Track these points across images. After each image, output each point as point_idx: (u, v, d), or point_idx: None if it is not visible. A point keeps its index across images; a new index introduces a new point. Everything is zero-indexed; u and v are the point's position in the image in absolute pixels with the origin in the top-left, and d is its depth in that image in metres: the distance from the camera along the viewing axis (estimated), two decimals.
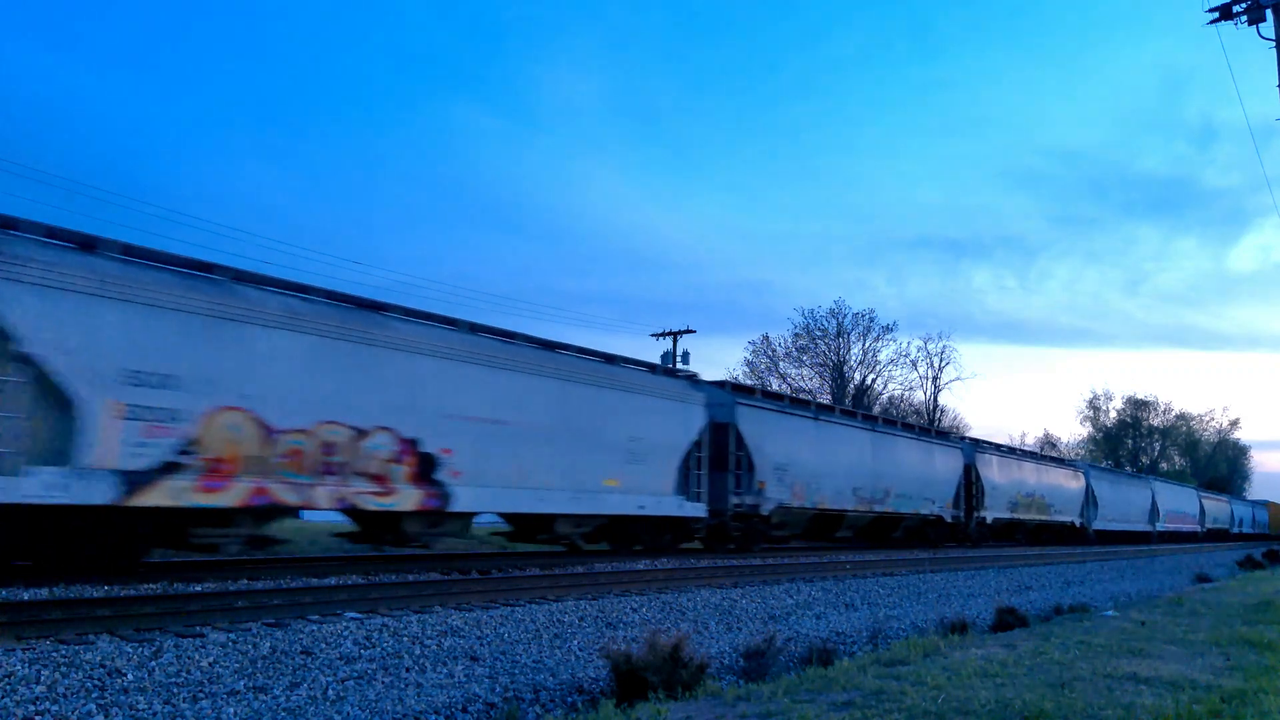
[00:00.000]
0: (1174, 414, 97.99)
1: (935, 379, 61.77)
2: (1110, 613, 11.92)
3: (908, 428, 31.92)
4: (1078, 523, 40.63)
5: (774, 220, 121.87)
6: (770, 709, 5.28)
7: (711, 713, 5.33)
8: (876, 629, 10.58)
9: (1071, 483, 40.72)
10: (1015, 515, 34.89)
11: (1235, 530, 72.38)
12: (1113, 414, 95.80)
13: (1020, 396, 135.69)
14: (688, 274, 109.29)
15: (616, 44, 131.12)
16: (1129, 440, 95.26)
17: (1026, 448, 62.32)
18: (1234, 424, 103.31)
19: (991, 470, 33.61)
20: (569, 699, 6.66)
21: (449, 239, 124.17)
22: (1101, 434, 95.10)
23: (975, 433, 57.94)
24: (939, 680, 6.16)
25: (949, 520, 30.65)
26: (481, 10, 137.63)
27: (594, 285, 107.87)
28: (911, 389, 62.07)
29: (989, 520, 32.66)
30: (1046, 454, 50.27)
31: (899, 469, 27.69)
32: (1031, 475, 37.18)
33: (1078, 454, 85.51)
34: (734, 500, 20.53)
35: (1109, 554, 31.03)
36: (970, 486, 32.73)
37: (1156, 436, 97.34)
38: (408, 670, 7.00)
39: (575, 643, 8.52)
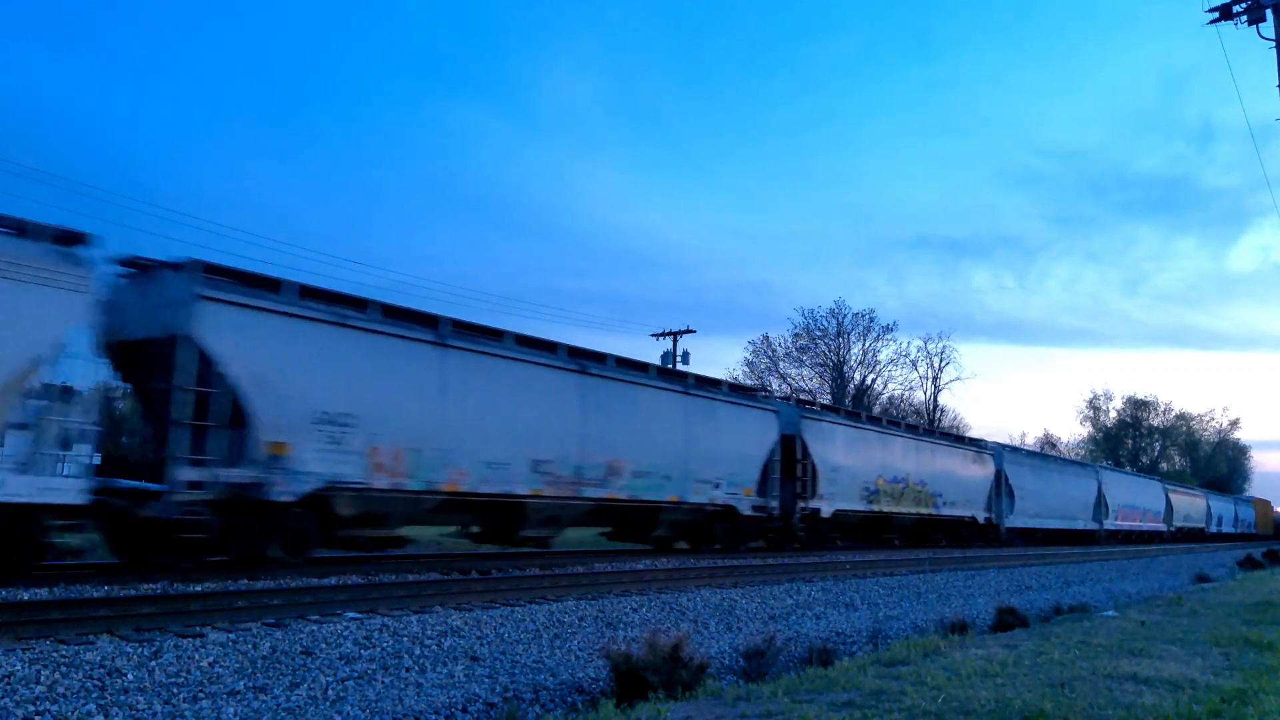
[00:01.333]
0: (1174, 414, 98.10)
1: (935, 379, 61.81)
2: (1110, 613, 11.92)
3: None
4: (981, 518, 32.39)
5: (773, 220, 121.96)
6: (770, 709, 5.28)
7: (711, 713, 5.33)
8: (876, 629, 10.58)
9: (973, 468, 32.48)
10: (874, 507, 25.74)
11: (1213, 529, 64.98)
12: (1113, 414, 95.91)
13: (1020, 396, 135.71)
14: (687, 274, 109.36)
15: (615, 44, 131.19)
16: (1129, 440, 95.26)
17: (1029, 448, 62.14)
18: (1234, 424, 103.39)
19: (835, 452, 24.20)
20: (569, 699, 6.66)
21: (448, 239, 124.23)
22: (1101, 434, 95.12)
23: (975, 433, 57.86)
24: (939, 680, 6.16)
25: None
26: (481, 10, 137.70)
27: (593, 285, 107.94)
28: (911, 389, 62.11)
29: (824, 513, 23.59)
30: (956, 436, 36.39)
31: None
32: (905, 456, 28.09)
33: (1078, 454, 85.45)
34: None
35: (1109, 554, 31.03)
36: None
37: (1156, 436, 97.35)
38: (408, 670, 7.00)
39: (575, 643, 8.52)
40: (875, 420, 29.38)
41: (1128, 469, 64.70)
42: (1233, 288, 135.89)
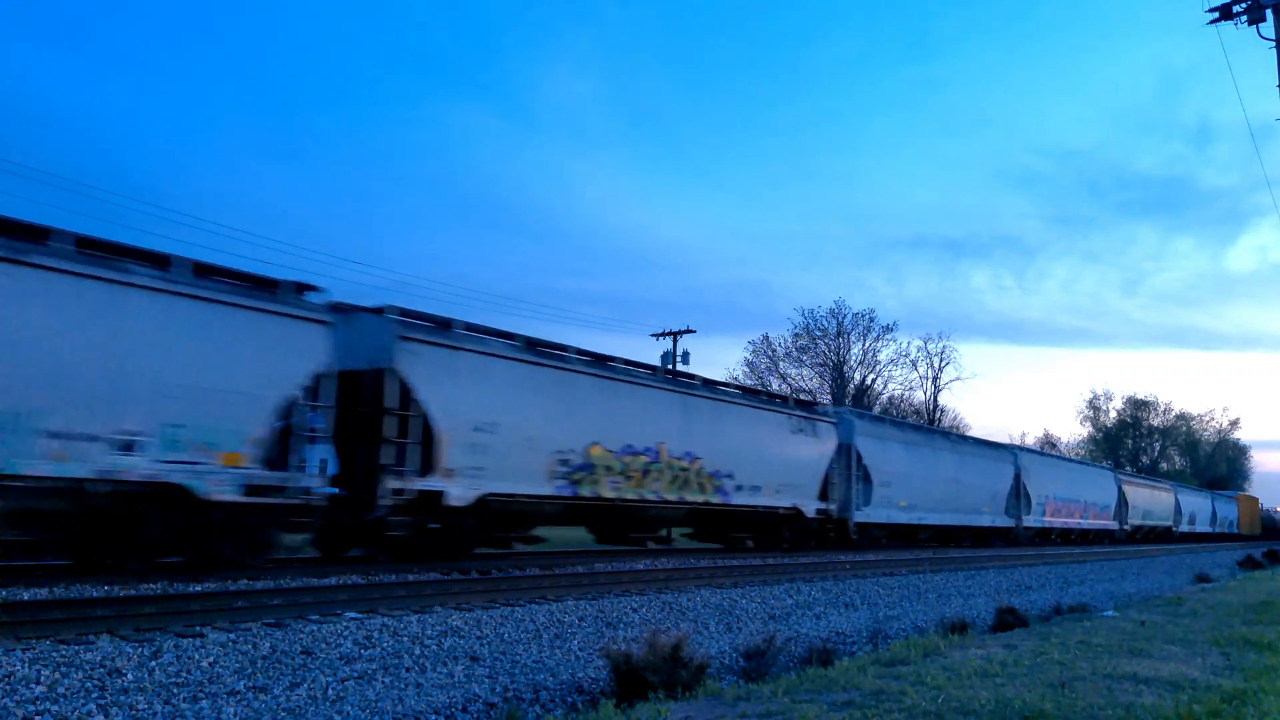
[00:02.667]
0: (1174, 414, 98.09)
1: (935, 379, 61.79)
2: (1110, 613, 11.92)
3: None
4: (811, 510, 23.00)
5: (772, 220, 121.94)
6: (770, 709, 5.28)
7: (711, 713, 5.33)
8: (876, 629, 10.58)
9: (804, 451, 23.14)
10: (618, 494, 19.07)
11: (1184, 528, 56.38)
12: (1113, 414, 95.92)
13: (1020, 397, 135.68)
14: (686, 274, 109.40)
15: (614, 44, 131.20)
16: (1129, 440, 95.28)
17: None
18: (1234, 424, 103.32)
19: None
20: (569, 699, 6.66)
21: (448, 239, 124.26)
22: (1101, 434, 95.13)
23: (975, 433, 57.68)
24: (939, 680, 6.16)
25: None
26: (479, 11, 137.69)
27: (593, 285, 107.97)
28: (911, 389, 62.08)
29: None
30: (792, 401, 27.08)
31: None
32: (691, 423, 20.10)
33: (1078, 454, 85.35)
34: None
35: (1109, 554, 31.04)
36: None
37: (1156, 436, 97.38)
38: (408, 670, 7.00)
39: (575, 643, 8.52)
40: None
41: (1067, 455, 55.60)
42: (1231, 288, 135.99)
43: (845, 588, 14.32)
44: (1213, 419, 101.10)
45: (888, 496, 26.19)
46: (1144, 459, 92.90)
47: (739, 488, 20.49)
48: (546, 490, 15.83)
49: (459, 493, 14.20)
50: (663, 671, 6.27)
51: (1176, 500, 56.13)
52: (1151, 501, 51.54)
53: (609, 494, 17.04)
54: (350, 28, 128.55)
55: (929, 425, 47.08)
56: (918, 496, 27.70)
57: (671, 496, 18.62)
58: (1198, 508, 61.35)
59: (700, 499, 19.36)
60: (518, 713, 6.19)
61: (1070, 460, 49.40)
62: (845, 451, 24.71)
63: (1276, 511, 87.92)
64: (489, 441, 14.66)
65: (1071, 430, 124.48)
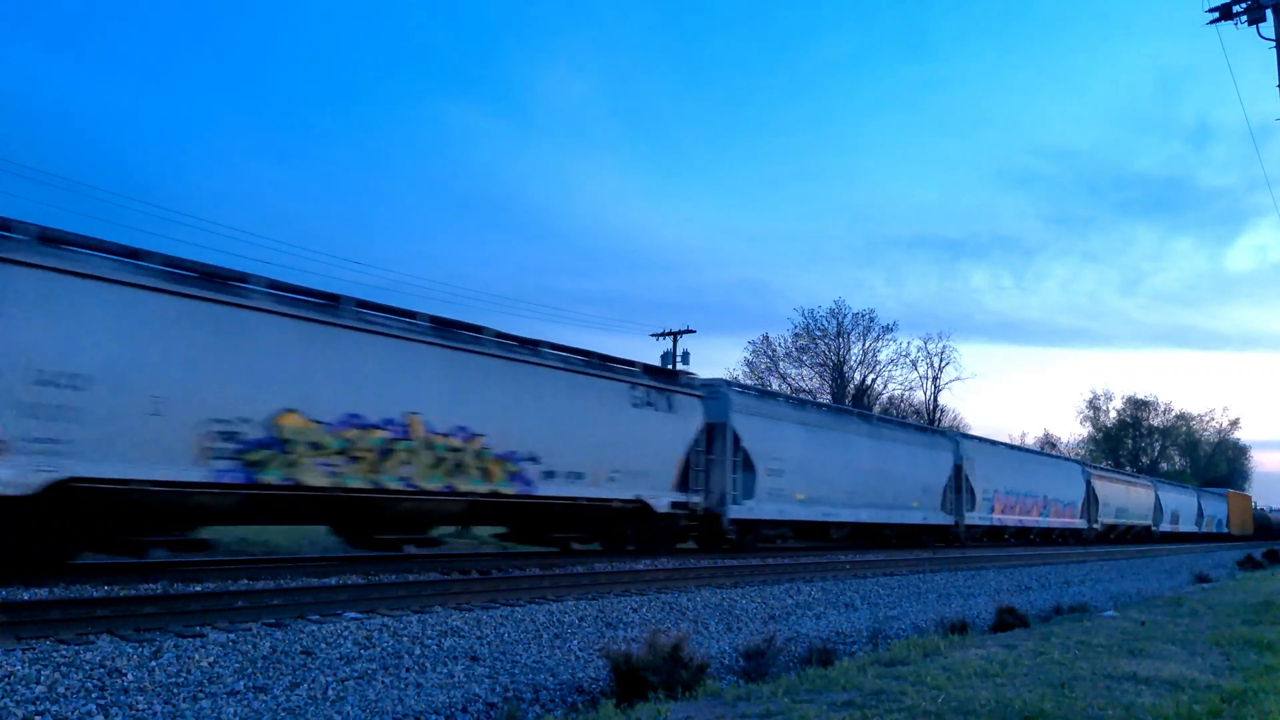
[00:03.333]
0: (1174, 414, 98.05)
1: (935, 379, 61.75)
2: (1110, 613, 11.92)
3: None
4: (663, 504, 18.64)
5: (771, 220, 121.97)
6: (770, 709, 5.28)
7: (712, 713, 5.33)
8: (876, 629, 10.58)
9: (653, 430, 18.66)
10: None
11: (1165, 528, 51.96)
12: (1113, 414, 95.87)
13: (1020, 397, 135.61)
14: (686, 274, 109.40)
15: (612, 44, 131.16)
16: (1129, 440, 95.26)
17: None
18: (1234, 424, 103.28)
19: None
20: (569, 699, 6.66)
21: (447, 239, 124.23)
22: (1101, 434, 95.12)
23: (976, 432, 57.57)
24: (939, 680, 6.16)
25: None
26: (477, 11, 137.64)
27: (592, 285, 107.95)
28: (911, 389, 62.03)
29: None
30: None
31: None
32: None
33: (1078, 454, 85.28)
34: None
35: (1110, 554, 31.03)
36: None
37: (1156, 436, 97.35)
38: (408, 670, 7.00)
39: (575, 643, 8.52)
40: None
41: (1021, 444, 48.75)
42: (1231, 288, 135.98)
43: (845, 588, 14.32)
44: (1213, 419, 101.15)
45: (778, 488, 21.81)
46: (1144, 459, 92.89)
47: (548, 475, 15.86)
48: (195, 475, 11.34)
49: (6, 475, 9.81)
50: (663, 671, 6.27)
51: (1156, 497, 51.48)
52: (1127, 498, 46.83)
53: (317, 481, 12.58)
54: (349, 28, 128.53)
55: (840, 405, 39.03)
56: (822, 488, 23.43)
57: (433, 485, 13.94)
58: (1181, 505, 56.65)
59: (484, 489, 14.67)
60: (518, 713, 6.19)
61: (1027, 451, 42.40)
62: (717, 433, 20.32)
63: (1272, 510, 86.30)
64: (72, 402, 10.30)
65: (1072, 430, 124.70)
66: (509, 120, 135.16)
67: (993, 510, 32.46)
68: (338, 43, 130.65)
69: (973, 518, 30.87)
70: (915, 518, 28.01)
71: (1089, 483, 42.24)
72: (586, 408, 16.92)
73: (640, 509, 17.97)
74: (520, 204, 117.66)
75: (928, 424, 46.60)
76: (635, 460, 17.87)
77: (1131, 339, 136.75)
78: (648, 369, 19.25)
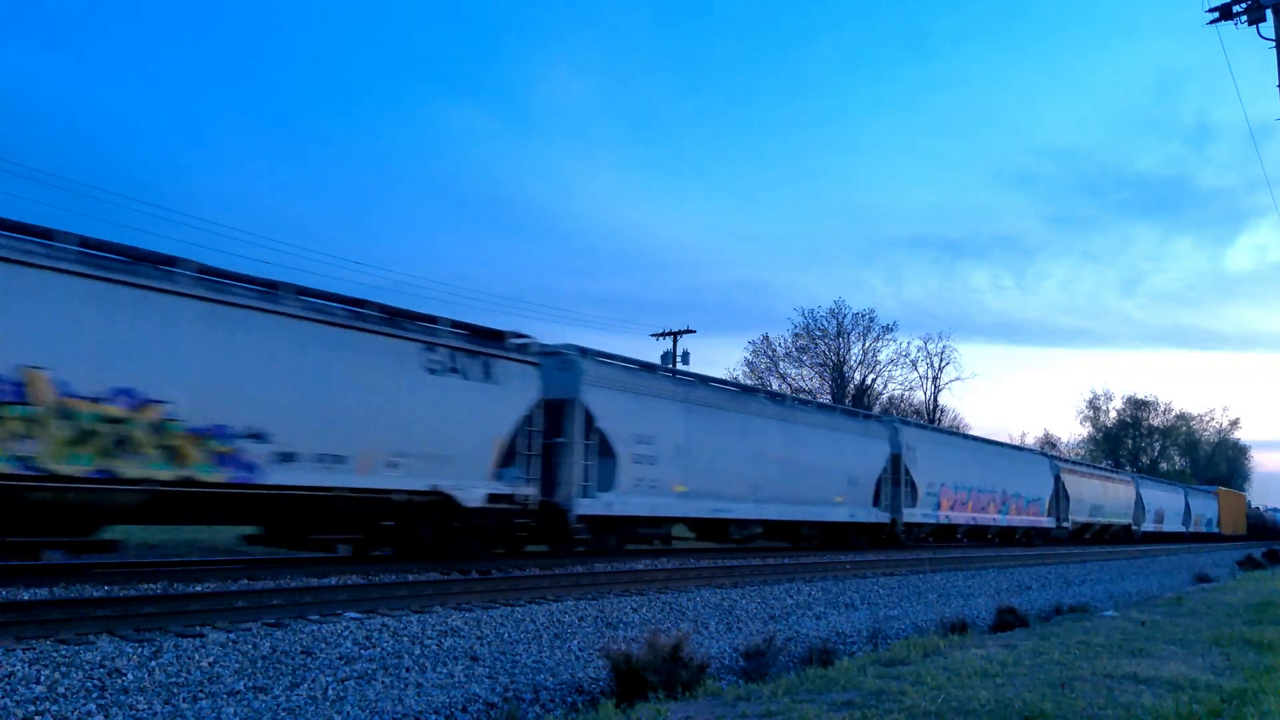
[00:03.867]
0: (1174, 414, 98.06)
1: (935, 379, 61.75)
2: (1110, 613, 11.92)
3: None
4: (478, 496, 14.81)
5: (771, 220, 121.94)
6: (770, 709, 5.28)
7: (712, 713, 5.33)
8: (876, 629, 10.58)
9: (459, 403, 14.67)
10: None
11: (1148, 527, 47.88)
12: (1113, 414, 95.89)
13: (1020, 397, 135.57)
14: (686, 274, 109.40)
15: (611, 44, 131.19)
16: (1129, 440, 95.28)
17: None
18: (1234, 424, 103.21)
19: None
20: (569, 699, 6.66)
21: (447, 239, 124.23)
22: (1101, 434, 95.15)
23: (977, 433, 57.43)
24: (939, 680, 6.16)
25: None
26: (476, 11, 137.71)
27: (592, 285, 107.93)
28: (911, 389, 62.00)
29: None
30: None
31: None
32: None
33: (1078, 453, 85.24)
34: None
35: (1110, 554, 31.04)
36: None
37: (1156, 436, 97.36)
38: (408, 670, 7.00)
39: (575, 643, 8.52)
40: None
41: (967, 434, 40.43)
42: (1230, 288, 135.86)
43: (845, 588, 14.32)
44: (1213, 419, 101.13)
45: (650, 478, 18.01)
46: (1144, 459, 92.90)
47: (284, 458, 11.99)
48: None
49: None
50: (663, 671, 6.27)
51: (1138, 494, 47.40)
52: (1103, 495, 42.41)
53: None
54: (349, 29, 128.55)
55: (740, 384, 31.89)
56: (714, 480, 19.56)
57: (76, 469, 10.13)
58: (1166, 503, 52.28)
59: (170, 475, 10.89)
60: (518, 713, 6.19)
61: (983, 442, 35.83)
62: (566, 410, 16.81)
63: (1267, 510, 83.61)
64: None
65: (1072, 430, 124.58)
66: (508, 120, 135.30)
67: (939, 506, 28.26)
68: (338, 43, 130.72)
69: (914, 515, 26.76)
70: (839, 514, 23.82)
71: (1058, 477, 37.92)
72: (352, 372, 12.88)
73: (441, 503, 14.18)
74: (520, 204, 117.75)
75: (862, 409, 38.72)
76: (432, 441, 13.90)
77: (1131, 339, 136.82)
78: (457, 326, 15.00)
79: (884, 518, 25.87)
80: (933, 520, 28.15)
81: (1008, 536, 34.23)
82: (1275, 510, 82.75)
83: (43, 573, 10.54)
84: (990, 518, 32.10)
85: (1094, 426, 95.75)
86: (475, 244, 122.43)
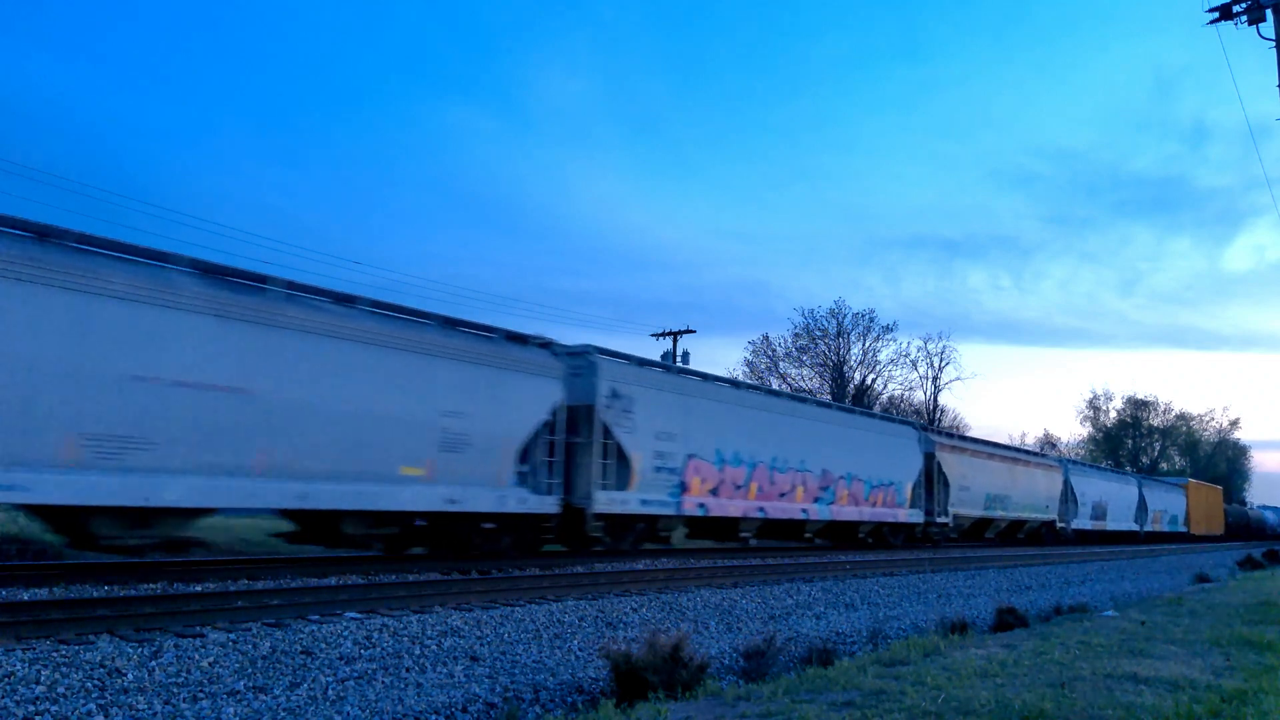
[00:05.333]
0: (1174, 414, 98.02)
1: (935, 379, 61.70)
2: (1110, 613, 11.92)
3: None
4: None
5: (769, 220, 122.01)
6: (770, 709, 5.28)
7: (711, 713, 5.33)
8: (876, 629, 10.58)
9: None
10: None
11: (1082, 524, 39.39)
12: (1113, 414, 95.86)
13: (1020, 397, 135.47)
14: (685, 274, 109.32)
15: (609, 46, 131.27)
16: (1129, 440, 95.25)
17: None
18: (1234, 424, 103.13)
19: None
20: (569, 699, 6.66)
21: (447, 239, 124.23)
22: (1101, 434, 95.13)
23: (977, 433, 57.13)
24: (939, 680, 6.16)
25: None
26: (475, 12, 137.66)
27: (591, 285, 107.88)
28: (911, 389, 61.94)
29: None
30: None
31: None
32: None
33: (1078, 454, 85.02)
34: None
35: (1110, 554, 31.03)
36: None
37: (1156, 436, 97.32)
38: (408, 670, 7.00)
39: (575, 643, 8.52)
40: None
41: (748, 384, 30.40)
42: (1228, 288, 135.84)
43: (845, 588, 14.32)
44: (1213, 419, 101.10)
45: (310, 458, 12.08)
46: (1144, 459, 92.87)
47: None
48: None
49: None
50: (663, 671, 6.27)
51: (1066, 483, 38.46)
52: (1009, 482, 33.39)
53: None
54: (349, 30, 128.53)
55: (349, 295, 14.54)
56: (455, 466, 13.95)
57: None
58: (1110, 495, 43.17)
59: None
60: (518, 713, 6.19)
61: (775, 396, 25.20)
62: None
63: (1255, 507, 78.81)
64: None
65: (1072, 430, 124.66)
66: (508, 121, 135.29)
67: (685, 489, 18.55)
68: (338, 45, 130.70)
69: (619, 500, 17.01)
70: (482, 502, 14.58)
71: (932, 456, 28.41)
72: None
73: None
74: (520, 204, 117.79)
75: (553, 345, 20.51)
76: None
77: (1130, 339, 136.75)
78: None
79: (547, 504, 15.88)
80: (669, 510, 18.11)
81: (837, 534, 25.11)
82: (1264, 508, 79.81)
83: (43, 573, 10.55)
84: (792, 506, 21.94)
85: (1094, 426, 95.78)
86: (475, 244, 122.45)
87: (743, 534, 21.11)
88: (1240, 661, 7.47)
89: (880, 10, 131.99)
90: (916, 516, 27.58)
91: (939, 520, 28.74)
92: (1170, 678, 6.54)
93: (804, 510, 22.63)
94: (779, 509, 21.70)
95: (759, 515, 21.00)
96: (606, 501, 16.82)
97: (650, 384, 18.49)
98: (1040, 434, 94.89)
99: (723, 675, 7.50)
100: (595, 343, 18.70)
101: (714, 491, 19.62)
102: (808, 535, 23.88)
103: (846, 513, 24.34)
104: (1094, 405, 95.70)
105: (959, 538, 31.37)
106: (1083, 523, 39.87)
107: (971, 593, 15.54)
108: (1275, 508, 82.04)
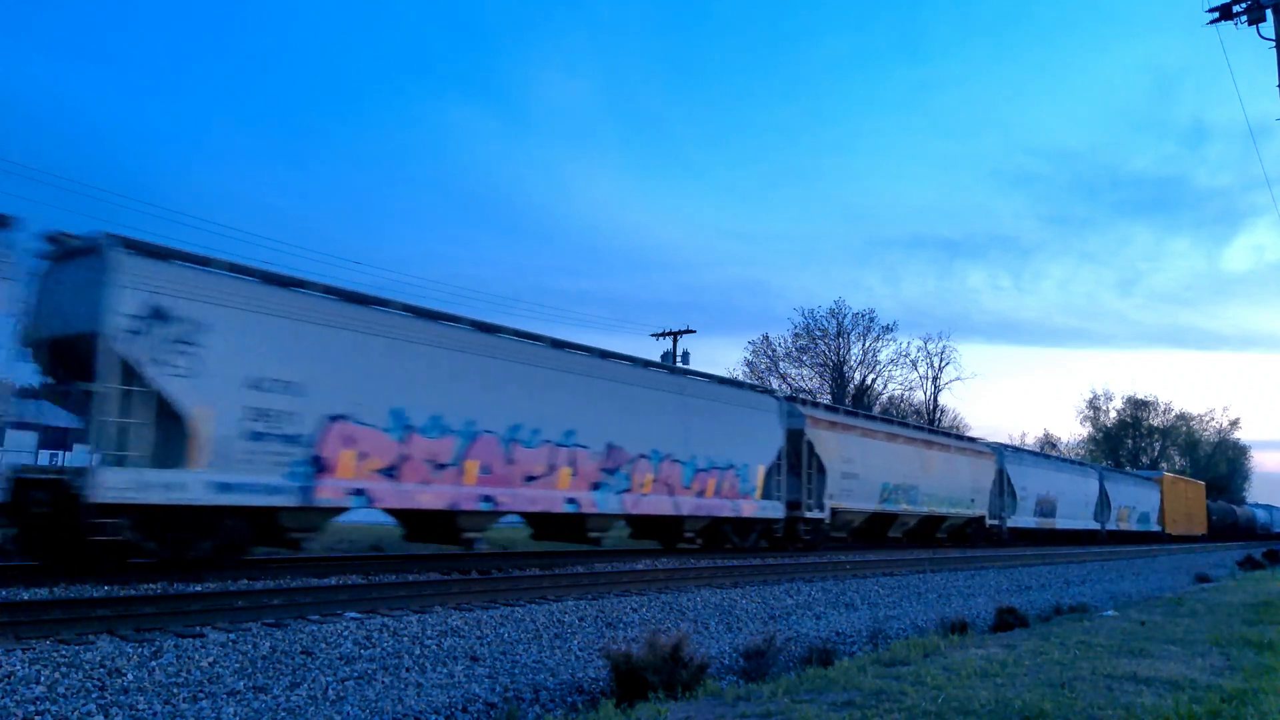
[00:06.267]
0: (1174, 414, 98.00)
1: (935, 379, 61.69)
2: (1110, 613, 11.91)
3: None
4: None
5: (769, 220, 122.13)
6: (770, 709, 5.28)
7: (712, 713, 5.33)
8: (876, 629, 10.58)
9: None
10: None
11: (1022, 522, 33.97)
12: (1113, 414, 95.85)
13: (1019, 397, 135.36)
14: (685, 274, 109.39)
15: (609, 47, 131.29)
16: (1129, 440, 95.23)
17: None
18: (1234, 424, 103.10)
19: None
20: (569, 699, 6.66)
21: (447, 238, 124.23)
22: (1102, 434, 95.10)
23: (977, 433, 57.03)
24: (939, 680, 6.15)
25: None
26: (474, 13, 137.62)
27: (591, 285, 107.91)
28: (911, 389, 61.94)
29: None
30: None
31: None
32: None
33: (1078, 454, 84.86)
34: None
35: (1110, 554, 31.03)
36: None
37: (1157, 436, 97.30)
38: (408, 670, 7.00)
39: (575, 643, 8.52)
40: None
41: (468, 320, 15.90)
42: (1227, 288, 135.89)
43: (845, 588, 14.32)
44: (1213, 419, 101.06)
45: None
46: (1144, 459, 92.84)
47: None
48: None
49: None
50: (663, 671, 6.26)
51: (1002, 474, 32.84)
52: (919, 472, 27.35)
53: None
54: (350, 31, 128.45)
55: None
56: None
57: None
58: (1060, 489, 37.31)
59: None
60: (518, 713, 6.19)
61: (552, 346, 16.84)
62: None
63: (1244, 506, 75.56)
64: None
65: (1072, 430, 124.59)
66: (508, 122, 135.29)
67: (322, 468, 12.58)
68: (339, 46, 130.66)
69: (164, 484, 10.88)
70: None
71: (800, 434, 22.45)
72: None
73: None
74: (520, 204, 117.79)
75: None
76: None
77: (1129, 339, 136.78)
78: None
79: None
80: (288, 500, 12.20)
81: (661, 532, 19.65)
82: (1256, 506, 78.01)
83: (43, 573, 10.54)
84: (551, 496, 15.86)
85: (1094, 426, 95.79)
86: (475, 244, 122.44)
87: (467, 534, 14.65)
88: (1240, 661, 7.47)
89: (880, 10, 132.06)
90: (774, 510, 21.35)
91: (809, 515, 22.45)
92: (1170, 678, 6.54)
93: (572, 500, 16.17)
94: (524, 498, 15.31)
95: (482, 507, 14.59)
96: (131, 486, 10.42)
97: (242, 302, 11.95)
98: (1040, 434, 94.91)
99: (723, 675, 7.50)
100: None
101: (390, 472, 13.31)
102: (593, 535, 17.24)
103: (651, 504, 17.97)
104: (1094, 405, 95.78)
105: (849, 538, 25.30)
106: (1023, 520, 34.38)
107: (971, 592, 15.54)
108: (1268, 506, 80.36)
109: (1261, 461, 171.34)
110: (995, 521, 32.49)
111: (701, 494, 19.37)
